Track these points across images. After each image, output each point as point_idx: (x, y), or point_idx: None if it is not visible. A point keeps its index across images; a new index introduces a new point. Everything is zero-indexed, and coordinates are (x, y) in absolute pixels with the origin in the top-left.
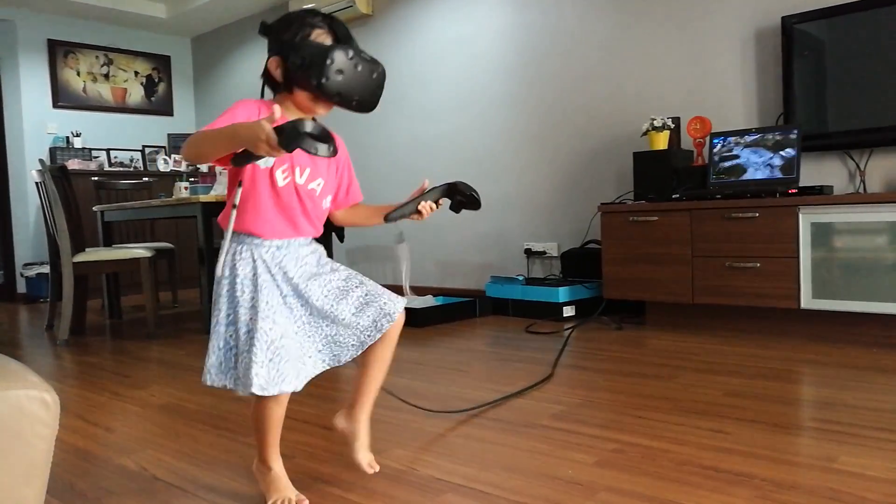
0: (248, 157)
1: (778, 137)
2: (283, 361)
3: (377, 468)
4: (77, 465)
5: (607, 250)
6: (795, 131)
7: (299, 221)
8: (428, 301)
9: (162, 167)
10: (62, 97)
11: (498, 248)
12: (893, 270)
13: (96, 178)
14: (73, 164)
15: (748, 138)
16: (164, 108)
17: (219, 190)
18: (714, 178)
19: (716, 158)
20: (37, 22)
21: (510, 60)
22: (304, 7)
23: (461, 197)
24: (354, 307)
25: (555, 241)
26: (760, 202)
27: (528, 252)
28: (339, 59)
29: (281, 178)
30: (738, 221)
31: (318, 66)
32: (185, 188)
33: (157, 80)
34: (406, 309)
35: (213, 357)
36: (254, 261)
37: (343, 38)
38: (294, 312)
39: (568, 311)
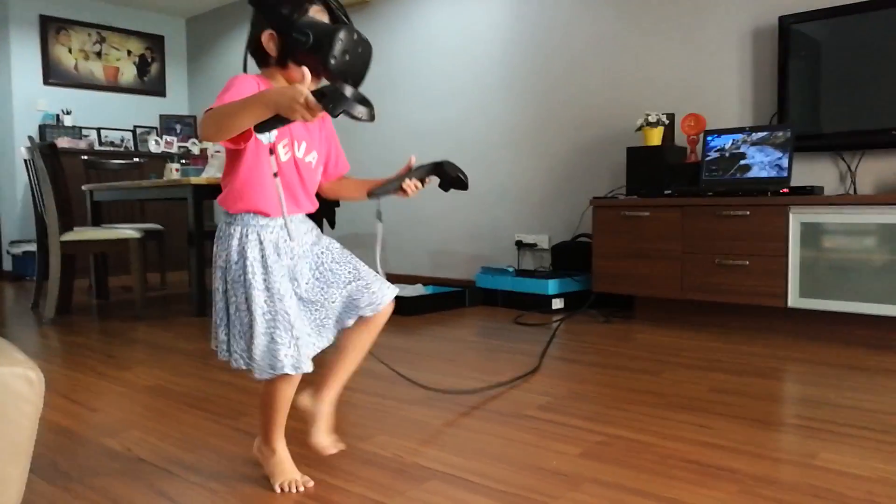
0: (275, 123)
1: (771, 137)
2: (300, 341)
3: (342, 446)
4: (61, 445)
5: (598, 244)
6: (789, 131)
7: (300, 196)
8: (418, 290)
9: (153, 148)
10: (53, 74)
11: (489, 239)
12: (880, 272)
13: (86, 157)
14: (63, 143)
15: (742, 137)
16: (156, 88)
17: (210, 172)
18: (706, 175)
19: (709, 156)
20: None
21: (506, 51)
22: None
23: (447, 177)
24: (342, 304)
25: (546, 234)
26: (752, 201)
27: (519, 244)
28: (347, 39)
29: (283, 153)
30: (729, 219)
31: (326, 46)
32: (177, 170)
33: (150, 60)
34: (395, 297)
35: (241, 343)
36: (261, 242)
37: (340, 14)
38: (299, 291)
39: (557, 304)
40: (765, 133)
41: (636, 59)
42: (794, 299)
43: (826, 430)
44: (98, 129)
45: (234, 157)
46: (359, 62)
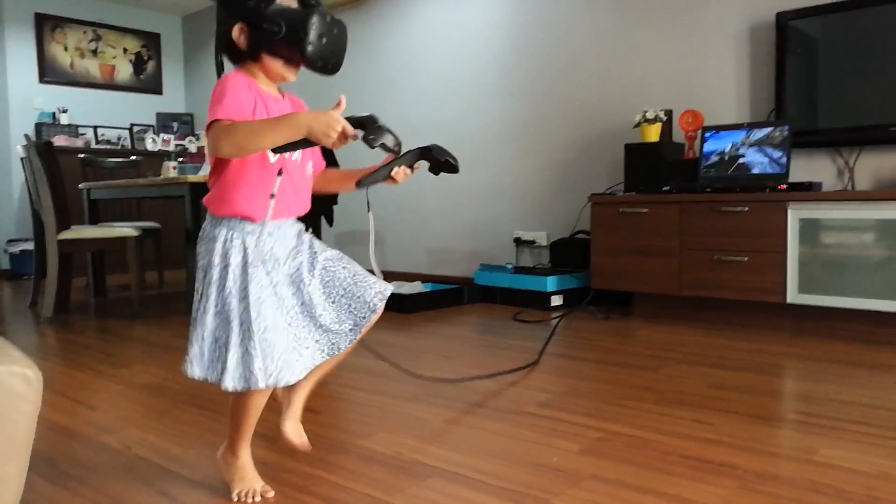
0: (299, 145)
1: (769, 133)
2: (275, 354)
3: (308, 447)
4: (60, 443)
5: (596, 241)
6: (786, 127)
7: (290, 199)
8: (416, 287)
9: (150, 146)
10: (49, 72)
11: (487, 236)
12: (879, 267)
13: (83, 156)
14: (60, 141)
15: (739, 133)
16: (152, 86)
17: (207, 170)
18: (704, 171)
19: (707, 152)
20: None
21: (503, 49)
22: None
23: (436, 161)
24: (334, 314)
25: (544, 231)
26: (750, 197)
27: (518, 241)
28: (320, 23)
29: (272, 155)
30: (728, 215)
31: (301, 33)
32: (174, 168)
33: (146, 58)
34: (394, 295)
35: (196, 347)
36: (244, 249)
37: None
38: (286, 302)
39: (556, 301)
40: (763, 129)
41: (634, 56)
42: (792, 295)
43: (826, 425)
44: (95, 128)
45: (221, 160)
46: (336, 45)
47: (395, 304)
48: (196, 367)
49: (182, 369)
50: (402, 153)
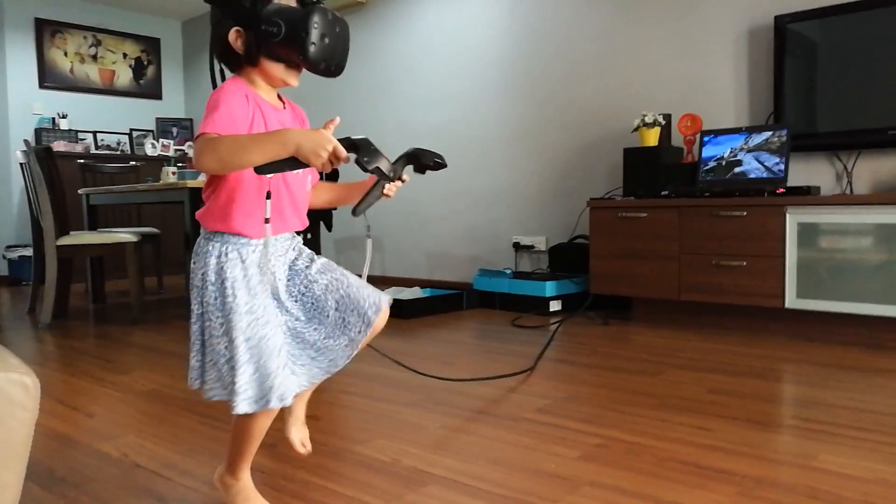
0: (287, 165)
1: (767, 137)
2: (288, 369)
3: (310, 448)
4: (57, 450)
5: (595, 245)
6: (785, 131)
7: (287, 214)
8: (415, 293)
9: (150, 151)
10: (49, 77)
11: (486, 241)
12: (877, 272)
13: (82, 161)
14: (59, 146)
15: (738, 137)
16: (152, 91)
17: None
18: (703, 175)
19: (705, 156)
20: (24, 0)
21: (503, 53)
22: None
23: (423, 166)
24: (328, 328)
25: (543, 236)
26: (748, 201)
27: (517, 246)
28: (322, 21)
29: None
30: (726, 220)
31: (302, 33)
32: (173, 173)
33: (146, 63)
34: (393, 300)
35: (214, 372)
36: (242, 262)
37: None
38: (281, 318)
39: (555, 306)
40: (761, 133)
41: (633, 60)
42: (791, 300)
43: (824, 431)
44: (94, 133)
45: (216, 175)
46: (339, 45)
47: (394, 309)
48: (219, 391)
49: (205, 396)
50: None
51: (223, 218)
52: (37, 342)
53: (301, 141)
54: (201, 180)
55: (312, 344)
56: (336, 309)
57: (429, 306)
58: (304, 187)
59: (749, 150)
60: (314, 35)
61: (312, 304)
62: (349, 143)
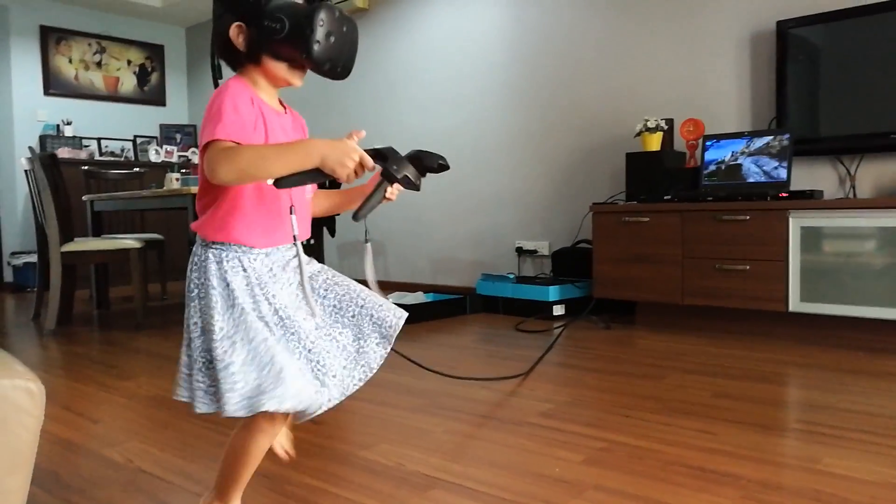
0: (309, 177)
1: (770, 141)
2: (308, 379)
3: (293, 453)
4: (62, 456)
5: (598, 250)
6: (787, 135)
7: (288, 223)
8: (418, 297)
9: (153, 158)
10: (53, 84)
11: (489, 245)
12: (881, 275)
13: (86, 168)
14: (64, 153)
15: (741, 142)
16: (156, 97)
17: None
18: (706, 180)
19: (708, 161)
20: (29, 8)
21: (505, 58)
22: None
23: (426, 169)
24: (354, 328)
25: (546, 240)
26: (751, 205)
27: (520, 250)
28: (328, 19)
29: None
30: (729, 224)
31: (306, 30)
32: (177, 179)
33: (150, 70)
34: (396, 305)
35: (228, 383)
36: (244, 270)
37: None
38: (303, 326)
39: (558, 310)
40: (764, 138)
41: (635, 65)
42: (794, 304)
43: (829, 434)
44: (98, 140)
45: (217, 185)
46: (346, 45)
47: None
48: (237, 405)
49: (224, 412)
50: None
51: (223, 228)
52: (41, 348)
53: (326, 151)
54: None
55: (343, 349)
56: (362, 307)
57: (432, 311)
58: (305, 195)
59: (751, 155)
60: (319, 33)
61: (333, 307)
62: (375, 153)
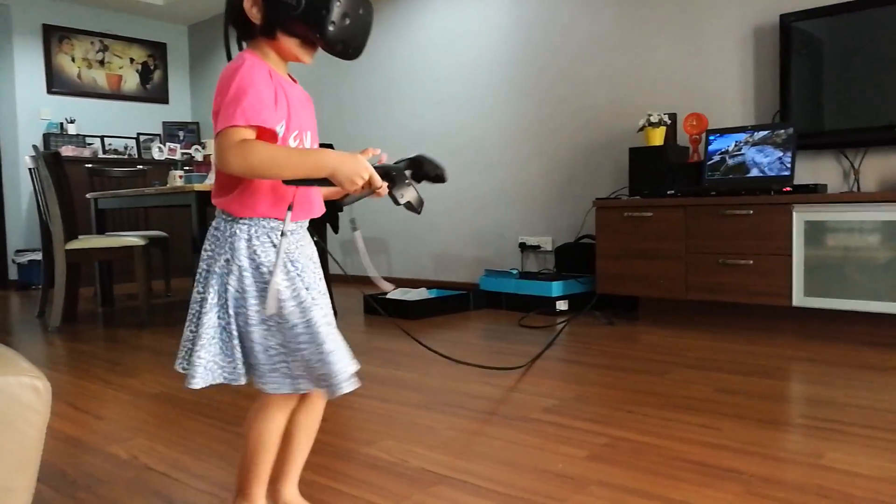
0: (315, 183)
1: (774, 135)
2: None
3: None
4: (68, 453)
5: (601, 245)
6: (791, 129)
7: (314, 197)
8: (422, 293)
9: (157, 155)
10: (56, 83)
11: (492, 241)
12: (885, 269)
13: (90, 165)
14: (67, 151)
15: (744, 136)
16: (159, 95)
17: (213, 178)
18: (709, 174)
19: (711, 155)
20: (32, 6)
21: (507, 54)
22: None
23: (425, 175)
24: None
25: (549, 236)
26: (755, 200)
27: (523, 246)
28: (346, 0)
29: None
30: (733, 219)
31: (322, 10)
32: (180, 177)
33: (152, 68)
34: (399, 301)
35: (267, 365)
36: (274, 246)
37: None
38: (325, 299)
39: (561, 306)
40: (767, 132)
41: (637, 60)
42: (798, 298)
43: (832, 429)
44: (102, 137)
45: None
46: (361, 27)
47: (401, 310)
48: (277, 382)
49: (269, 389)
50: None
51: (251, 204)
52: (46, 346)
53: (338, 166)
54: (208, 184)
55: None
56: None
57: (435, 307)
58: None
59: (755, 149)
60: (335, 13)
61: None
62: (384, 172)
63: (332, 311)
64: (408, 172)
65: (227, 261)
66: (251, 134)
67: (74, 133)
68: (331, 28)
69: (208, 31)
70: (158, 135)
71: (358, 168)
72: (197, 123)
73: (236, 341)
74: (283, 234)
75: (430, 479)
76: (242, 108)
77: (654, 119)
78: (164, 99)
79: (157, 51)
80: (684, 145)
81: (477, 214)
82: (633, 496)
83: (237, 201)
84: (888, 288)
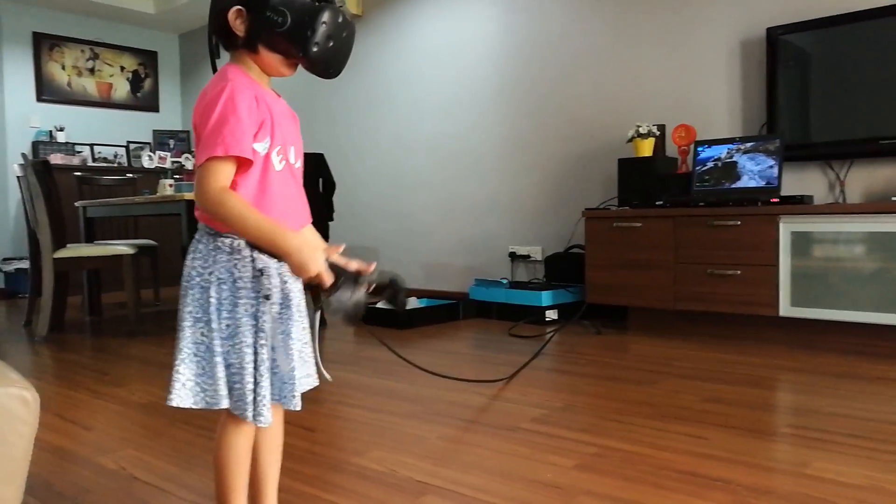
0: (272, 254)
1: (761, 147)
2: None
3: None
4: (55, 464)
5: (591, 255)
6: (778, 141)
7: (297, 209)
8: (412, 303)
9: (146, 164)
10: (46, 91)
11: (483, 251)
12: (870, 280)
13: (79, 174)
14: (56, 159)
15: (732, 147)
16: (149, 104)
17: None
18: (697, 185)
19: (699, 166)
20: (22, 14)
21: (498, 64)
22: None
23: (392, 294)
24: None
25: (539, 245)
26: (742, 210)
27: (513, 256)
28: (331, 22)
29: (277, 162)
30: (721, 229)
31: (308, 29)
32: (170, 185)
33: (143, 76)
34: (389, 310)
35: (258, 389)
36: (253, 260)
37: None
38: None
39: (551, 315)
40: (755, 143)
41: (627, 71)
42: (785, 308)
43: (819, 438)
44: (91, 146)
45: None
46: (342, 49)
47: (391, 319)
48: (264, 410)
49: (256, 421)
50: (373, 273)
51: None
52: (33, 355)
53: (293, 253)
54: None
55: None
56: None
57: (425, 316)
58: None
59: (743, 160)
60: (320, 34)
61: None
62: (337, 274)
63: (306, 331)
64: (371, 277)
65: (210, 274)
66: (231, 166)
67: (64, 141)
68: (314, 49)
69: (199, 40)
70: (148, 143)
71: (310, 264)
72: (187, 132)
73: (218, 359)
74: (267, 298)
75: (419, 488)
76: (223, 138)
77: (643, 130)
78: (154, 107)
79: (148, 59)
80: (673, 156)
81: (467, 224)
82: None
83: None
84: (873, 298)
